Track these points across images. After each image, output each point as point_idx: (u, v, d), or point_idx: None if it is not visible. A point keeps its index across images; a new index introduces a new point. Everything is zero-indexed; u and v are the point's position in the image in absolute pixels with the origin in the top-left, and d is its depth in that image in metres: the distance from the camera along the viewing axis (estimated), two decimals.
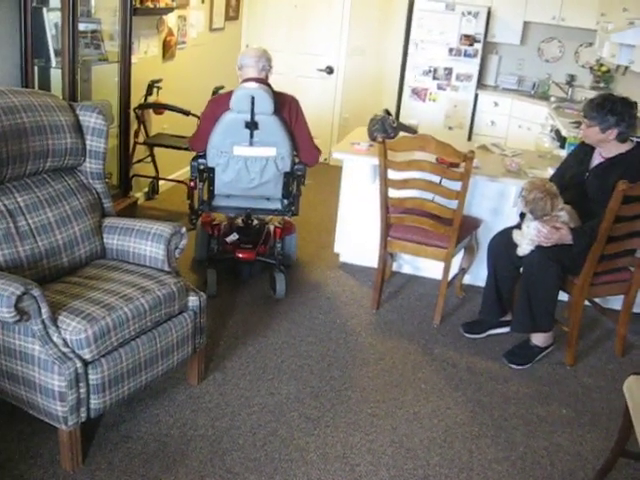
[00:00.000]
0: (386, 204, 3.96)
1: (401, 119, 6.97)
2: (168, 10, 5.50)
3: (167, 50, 5.73)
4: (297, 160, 4.13)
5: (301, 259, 4.90)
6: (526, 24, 7.05)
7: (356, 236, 4.75)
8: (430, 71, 6.93)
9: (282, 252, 4.43)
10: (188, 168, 4.19)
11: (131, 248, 3.19)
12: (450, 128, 7.06)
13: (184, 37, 6.04)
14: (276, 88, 4.03)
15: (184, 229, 3.21)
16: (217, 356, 3.56)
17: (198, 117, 5.02)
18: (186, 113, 5.09)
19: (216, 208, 4.22)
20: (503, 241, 3.76)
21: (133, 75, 4.90)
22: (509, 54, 7.39)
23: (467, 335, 4.00)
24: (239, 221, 4.45)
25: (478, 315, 4.06)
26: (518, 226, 3.71)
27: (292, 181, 4.14)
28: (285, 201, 4.20)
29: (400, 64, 7.06)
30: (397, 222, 4.01)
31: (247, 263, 4.36)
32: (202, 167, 4.04)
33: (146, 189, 5.81)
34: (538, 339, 3.77)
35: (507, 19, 6.96)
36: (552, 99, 6.91)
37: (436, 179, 3.85)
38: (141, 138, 5.36)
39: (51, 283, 2.94)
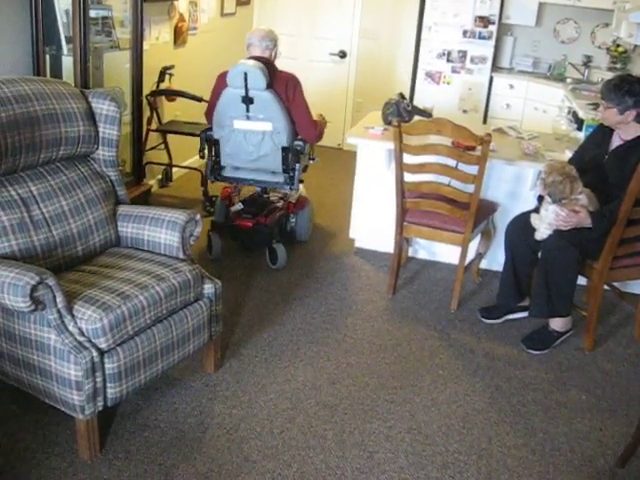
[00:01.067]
0: (402, 189, 3.92)
1: (415, 103, 6.90)
2: None
3: (178, 36, 5.69)
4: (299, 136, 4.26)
5: (316, 244, 4.87)
6: (541, 5, 6.93)
7: (371, 221, 4.71)
8: (444, 54, 6.85)
9: (292, 227, 4.72)
10: (196, 158, 4.14)
11: (145, 236, 3.17)
12: (465, 111, 6.98)
13: (195, 23, 5.99)
14: (290, 71, 4.21)
15: (198, 216, 3.18)
16: (233, 343, 3.55)
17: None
18: (198, 99, 5.06)
19: (225, 178, 4.45)
20: (521, 225, 3.71)
21: (145, 62, 4.87)
22: (524, 36, 7.28)
23: (485, 320, 3.96)
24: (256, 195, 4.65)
25: (496, 300, 4.02)
26: (536, 210, 3.66)
27: (291, 156, 4.22)
28: (285, 175, 4.31)
29: (414, 47, 6.96)
30: (413, 207, 3.97)
31: (246, 232, 4.48)
32: (209, 138, 4.30)
33: (160, 176, 5.79)
34: (556, 324, 3.73)
35: (522, 0, 6.85)
36: (568, 81, 6.80)
37: (452, 163, 3.80)
38: (154, 125, 5.34)
39: (66, 272, 2.93)
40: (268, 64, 4.08)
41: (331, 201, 5.62)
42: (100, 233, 3.13)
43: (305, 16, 7.24)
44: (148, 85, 5.20)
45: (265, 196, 4.60)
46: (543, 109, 6.65)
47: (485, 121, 7.03)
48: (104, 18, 4.26)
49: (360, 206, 4.73)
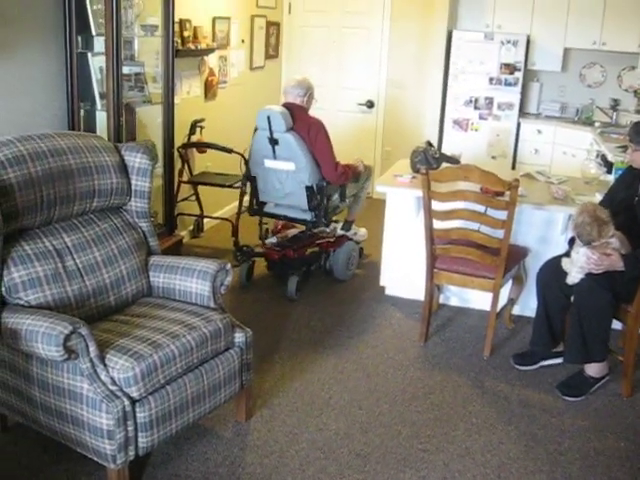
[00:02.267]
0: (431, 236, 3.93)
1: (443, 150, 6.95)
2: (209, 51, 5.60)
3: (209, 90, 5.83)
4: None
5: (347, 292, 4.87)
6: (566, 50, 6.98)
7: (401, 269, 4.71)
8: (471, 101, 6.91)
9: (324, 264, 4.97)
10: (232, 205, 4.31)
11: (177, 285, 3.20)
12: (493, 157, 7.00)
13: (225, 77, 6.13)
14: (314, 116, 4.65)
15: (229, 265, 3.21)
16: (264, 392, 3.53)
17: (241, 154, 5.10)
18: (228, 151, 5.14)
19: (263, 213, 4.87)
20: (552, 270, 3.68)
21: (176, 115, 4.99)
22: (550, 81, 7.32)
23: (518, 367, 3.90)
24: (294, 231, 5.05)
25: (529, 346, 3.97)
26: (567, 254, 3.63)
27: (315, 195, 4.49)
28: (312, 213, 4.60)
29: (440, 95, 7.04)
30: (443, 253, 3.96)
31: (276, 263, 4.86)
32: (248, 176, 4.74)
33: (191, 227, 5.86)
34: (592, 370, 3.66)
35: (547, 46, 6.91)
36: (596, 124, 6.80)
37: (481, 209, 3.80)
38: (185, 177, 5.43)
39: (98, 322, 2.96)
40: (295, 109, 4.48)
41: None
42: (132, 283, 3.17)
43: (332, 67, 7.38)
44: (179, 138, 5.31)
45: (308, 234, 4.89)
46: (572, 153, 6.64)
47: (514, 167, 7.03)
48: (137, 74, 4.38)
49: (390, 254, 4.74)
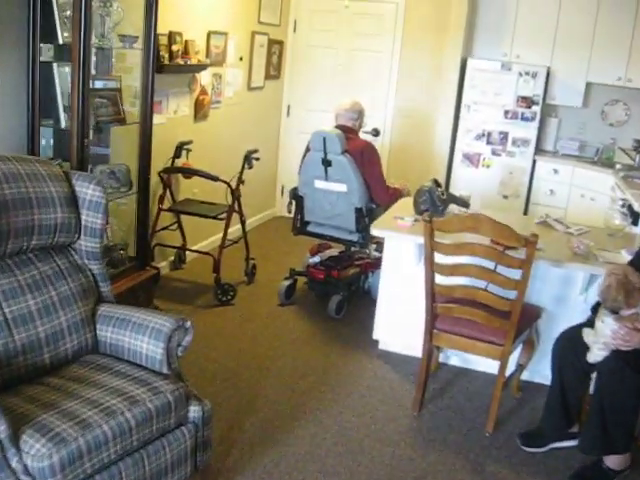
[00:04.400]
0: (432, 291, 3.42)
1: (452, 187, 6.49)
2: (201, 67, 5.14)
3: (199, 110, 5.36)
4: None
5: (335, 346, 4.35)
6: (588, 85, 6.51)
7: (398, 322, 4.20)
8: (484, 135, 6.43)
9: (363, 285, 5.06)
10: (218, 236, 4.70)
11: (126, 343, 2.70)
12: (505, 197, 6.51)
13: (219, 96, 5.67)
14: (366, 139, 4.84)
15: (189, 323, 2.71)
16: (227, 469, 3.01)
17: (227, 183, 4.64)
18: (214, 179, 4.65)
19: (307, 233, 4.91)
20: (571, 343, 3.16)
21: (160, 136, 4.58)
22: (569, 117, 6.84)
23: (525, 449, 3.37)
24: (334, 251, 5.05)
25: (539, 423, 3.44)
26: (590, 324, 3.11)
27: (364, 217, 4.55)
28: (359, 235, 4.65)
29: (451, 127, 6.57)
30: (444, 313, 3.45)
31: (319, 282, 4.85)
32: (296, 195, 4.79)
33: (172, 258, 5.36)
34: (612, 461, 3.12)
35: (568, 80, 6.44)
36: (618, 166, 6.29)
37: (490, 264, 3.29)
38: (166, 204, 4.93)
39: (26, 384, 2.47)
40: (348, 132, 4.59)
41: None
42: (73, 338, 2.68)
43: (338, 92, 6.88)
44: (163, 161, 4.84)
45: (347, 254, 4.94)
46: (591, 197, 6.16)
47: (527, 207, 6.55)
48: (112, 90, 3.90)
49: (386, 304, 4.23)
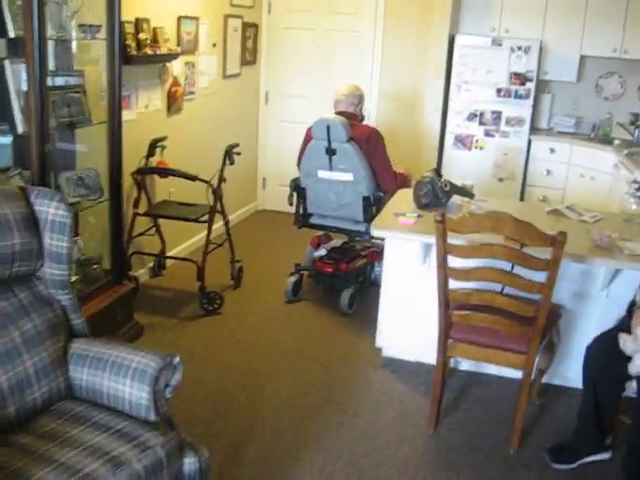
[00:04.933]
0: (445, 299, 3.06)
1: (444, 172, 6.10)
2: (171, 57, 4.71)
3: (172, 102, 4.94)
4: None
5: (335, 357, 3.99)
6: (582, 58, 6.16)
7: (403, 327, 3.85)
8: (476, 115, 6.07)
9: (370, 275, 4.87)
10: (200, 236, 4.37)
11: (105, 387, 2.31)
12: (500, 180, 6.17)
13: (193, 86, 5.24)
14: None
15: (177, 359, 2.34)
16: None
17: (207, 182, 4.25)
18: (192, 178, 4.25)
19: (311, 225, 4.68)
20: (605, 352, 2.83)
21: (131, 134, 4.18)
22: (563, 93, 6.50)
23: (556, 465, 3.05)
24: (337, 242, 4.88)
25: (571, 438, 3.11)
26: (625, 327, 2.78)
27: (372, 206, 4.35)
28: (367, 224, 4.33)
29: (441, 109, 6.19)
30: (460, 321, 3.10)
31: (327, 276, 4.67)
32: (297, 187, 4.56)
33: (151, 264, 4.96)
34: None
35: (561, 54, 6.09)
36: (616, 142, 5.98)
37: (507, 265, 2.95)
38: (142, 208, 4.52)
39: None
40: (350, 118, 4.35)
41: (357, 319, 4.68)
42: (42, 384, 2.29)
43: (318, 76, 6.50)
44: (135, 161, 4.43)
45: (351, 245, 4.78)
46: (591, 176, 5.84)
47: (523, 190, 6.20)
48: (75, 87, 3.48)
49: (389, 308, 3.88)
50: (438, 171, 3.95)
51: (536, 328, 2.95)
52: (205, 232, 4.43)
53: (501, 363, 3.14)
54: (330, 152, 4.27)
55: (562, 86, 6.42)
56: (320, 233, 4.85)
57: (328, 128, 4.21)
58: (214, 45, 5.53)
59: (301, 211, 4.64)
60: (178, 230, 4.95)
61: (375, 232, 3.48)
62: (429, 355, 3.44)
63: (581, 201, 5.76)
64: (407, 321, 3.83)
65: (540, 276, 2.86)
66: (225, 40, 5.70)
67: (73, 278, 3.59)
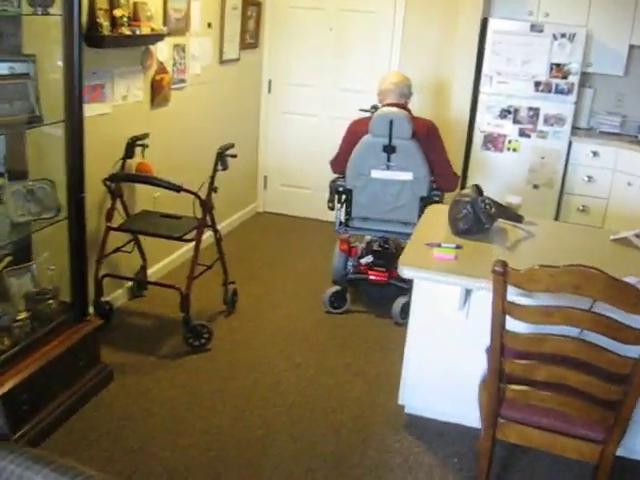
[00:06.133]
0: (500, 370, 2.31)
1: (471, 177, 5.37)
2: (156, 38, 3.92)
3: (157, 93, 4.16)
4: (435, 185, 4.10)
5: (349, 411, 3.25)
6: (632, 48, 5.37)
7: (432, 380, 3.11)
8: (510, 112, 5.28)
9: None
10: (185, 250, 3.92)
11: None
12: (535, 187, 5.40)
13: (183, 74, 4.46)
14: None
15: None
16: None
17: (195, 194, 3.50)
18: (176, 189, 3.47)
19: (354, 230, 4.27)
20: None
21: (105, 131, 3.60)
22: (605, 87, 5.71)
23: None
24: (375, 245, 4.49)
25: None
26: None
27: (428, 206, 3.92)
28: None
29: (470, 103, 5.40)
30: (517, 398, 2.35)
31: (378, 285, 4.34)
32: (341, 189, 4.12)
33: (130, 284, 4.21)
34: None
35: (608, 43, 5.30)
36: None
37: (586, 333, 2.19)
38: (117, 220, 3.76)
39: None
40: (408, 112, 4.04)
41: (374, 350, 3.97)
42: None
43: (328, 62, 5.71)
44: (110, 163, 3.69)
45: (386, 246, 4.45)
46: None
47: (560, 199, 5.44)
48: (19, 77, 2.71)
49: (415, 361, 3.13)
50: (479, 188, 3.19)
51: (622, 416, 2.20)
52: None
53: (568, 453, 2.40)
54: (389, 149, 3.91)
55: (605, 80, 5.63)
56: (345, 236, 4.41)
57: (391, 123, 3.84)
58: (209, 25, 4.74)
59: (342, 215, 4.21)
60: (162, 240, 4.19)
61: (406, 272, 2.69)
62: (463, 415, 2.97)
63: (628, 214, 5.06)
64: (437, 374, 3.09)
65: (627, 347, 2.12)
66: (222, 19, 4.90)
67: (20, 316, 2.87)
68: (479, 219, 3.03)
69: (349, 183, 4.09)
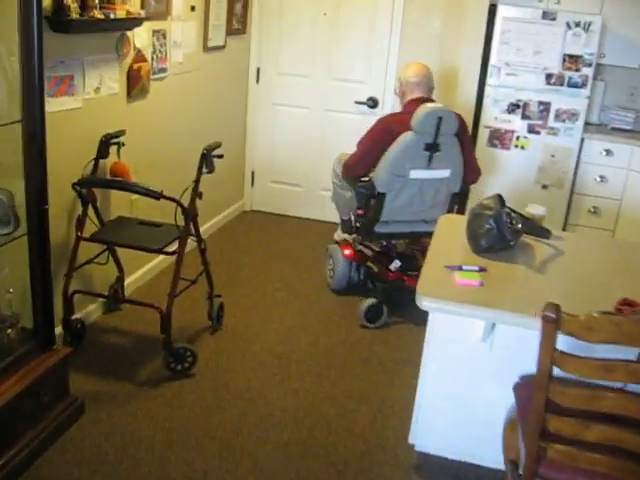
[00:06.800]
0: (542, 427, 1.93)
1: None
2: (133, 23, 3.48)
3: (135, 84, 3.73)
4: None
5: (353, 446, 2.87)
6: None
7: (448, 418, 2.75)
8: (518, 106, 4.89)
9: None
10: (163, 257, 3.42)
11: None
12: (545, 187, 5.02)
13: (163, 62, 4.03)
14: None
15: None
16: None
17: (176, 201, 3.09)
18: (156, 196, 3.04)
19: (383, 235, 4.00)
20: None
21: (76, 127, 3.25)
22: (617, 81, 5.34)
23: None
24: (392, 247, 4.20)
25: None
26: None
27: (455, 203, 4.01)
28: None
29: (475, 96, 5.01)
30: (563, 459, 1.98)
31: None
32: (366, 192, 3.80)
33: (105, 293, 3.79)
34: None
35: (623, 33, 4.92)
36: None
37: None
38: (90, 229, 3.34)
39: None
40: None
41: (372, 374, 3.60)
42: None
43: (322, 50, 5.29)
44: (81, 164, 3.27)
45: (415, 248, 4.25)
46: None
47: (570, 199, 5.08)
48: None
49: (430, 394, 2.75)
50: (502, 199, 2.80)
51: None
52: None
53: None
54: (433, 148, 3.68)
55: (618, 72, 5.25)
56: (347, 240, 4.28)
57: (440, 120, 3.62)
58: (192, 9, 4.30)
59: (364, 221, 3.90)
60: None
61: (426, 304, 2.29)
62: (483, 455, 2.68)
63: None
64: (455, 409, 2.72)
65: None
66: (207, 3, 4.46)
67: None
68: (503, 235, 2.66)
69: (382, 187, 3.75)
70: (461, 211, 4.05)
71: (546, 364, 1.81)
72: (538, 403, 1.90)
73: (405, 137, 3.68)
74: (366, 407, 3.16)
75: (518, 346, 2.43)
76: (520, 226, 2.69)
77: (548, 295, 1.99)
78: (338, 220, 4.51)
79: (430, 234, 3.71)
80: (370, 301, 3.88)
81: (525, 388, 2.31)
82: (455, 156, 3.82)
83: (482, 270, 2.50)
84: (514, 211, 2.77)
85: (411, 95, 3.89)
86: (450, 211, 3.95)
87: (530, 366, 2.26)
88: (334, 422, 3.03)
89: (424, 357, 2.71)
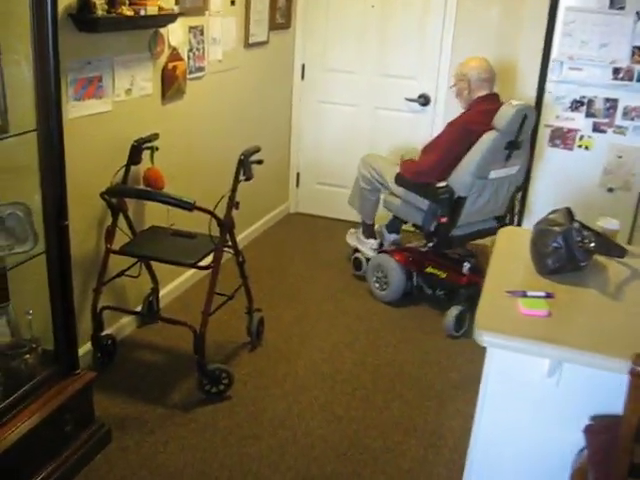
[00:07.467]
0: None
1: (534, 178, 4.66)
2: (167, 19, 3.27)
3: (170, 84, 3.52)
4: None
5: None
6: None
7: (508, 462, 2.45)
8: (583, 104, 4.53)
9: None
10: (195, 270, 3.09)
11: None
12: (610, 190, 4.64)
13: (201, 61, 3.81)
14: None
15: None
16: None
17: (210, 212, 2.86)
18: (188, 207, 2.81)
19: (459, 240, 3.88)
20: None
21: (105, 132, 3.06)
22: None
23: None
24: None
25: None
26: None
27: (516, 195, 4.04)
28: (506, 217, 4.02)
29: (535, 92, 4.66)
30: None
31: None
32: (447, 196, 3.63)
33: (140, 307, 3.59)
34: None
35: None
36: None
37: None
38: (120, 240, 3.14)
39: None
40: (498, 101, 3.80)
41: (422, 399, 3.33)
42: None
43: (370, 45, 5.01)
44: (110, 172, 3.07)
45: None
46: None
47: (639, 204, 4.69)
48: None
49: (487, 437, 2.45)
50: (572, 214, 2.49)
51: None
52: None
53: None
54: (514, 146, 3.64)
55: None
56: (396, 244, 4.21)
57: (525, 117, 3.58)
58: (232, 3, 4.07)
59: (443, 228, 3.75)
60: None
61: (486, 339, 2.00)
62: None
63: None
64: (516, 453, 2.42)
65: None
66: None
67: None
68: (573, 255, 2.34)
69: (464, 190, 3.62)
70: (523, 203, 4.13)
71: (632, 425, 1.52)
72: (620, 467, 1.61)
73: (490, 137, 3.56)
74: (415, 439, 2.89)
75: (589, 382, 2.13)
76: (593, 245, 2.37)
77: (625, 328, 1.70)
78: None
79: (491, 232, 3.78)
80: (456, 309, 3.70)
81: (599, 432, 2.02)
82: (526, 151, 3.86)
83: (549, 296, 2.20)
84: (585, 226, 2.45)
85: (479, 92, 3.78)
86: (509, 205, 3.98)
87: (603, 405, 2.02)
88: (381, 457, 2.77)
89: (482, 391, 2.41)
